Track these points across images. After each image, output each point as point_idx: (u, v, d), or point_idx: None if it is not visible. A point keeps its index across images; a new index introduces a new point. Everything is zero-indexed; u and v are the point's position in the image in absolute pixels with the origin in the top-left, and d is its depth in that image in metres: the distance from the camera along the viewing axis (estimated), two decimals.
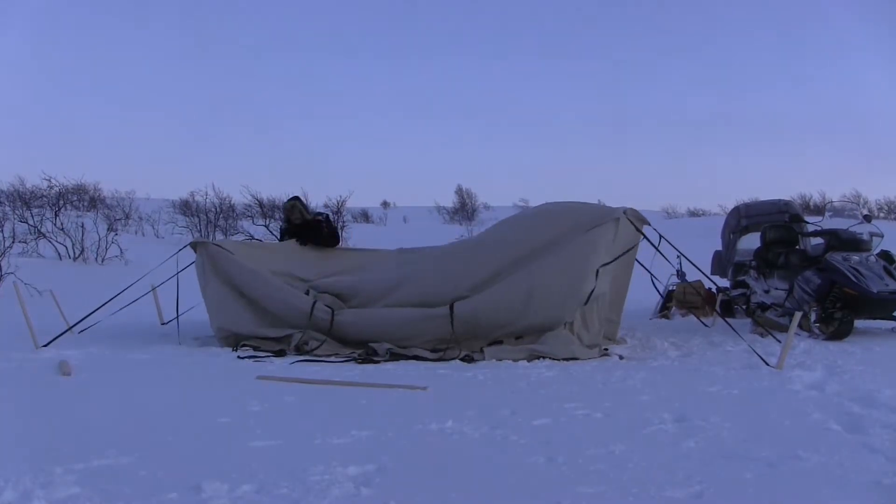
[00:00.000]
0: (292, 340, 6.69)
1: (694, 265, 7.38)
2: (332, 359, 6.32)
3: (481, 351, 6.28)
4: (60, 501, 2.77)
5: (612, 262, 6.56)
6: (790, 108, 69.95)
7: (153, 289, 8.14)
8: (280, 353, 6.50)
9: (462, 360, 6.17)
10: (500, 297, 6.50)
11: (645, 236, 6.87)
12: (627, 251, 6.74)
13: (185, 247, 7.57)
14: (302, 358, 6.29)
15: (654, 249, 6.88)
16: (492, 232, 7.67)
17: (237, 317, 7.03)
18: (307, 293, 7.09)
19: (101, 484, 2.93)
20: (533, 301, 6.40)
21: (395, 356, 6.27)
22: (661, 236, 6.81)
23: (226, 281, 7.18)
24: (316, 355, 6.40)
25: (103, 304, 7.38)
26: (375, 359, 6.25)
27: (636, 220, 6.85)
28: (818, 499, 2.83)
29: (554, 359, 6.11)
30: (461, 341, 6.42)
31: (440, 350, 6.36)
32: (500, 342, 6.47)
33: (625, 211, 6.75)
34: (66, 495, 2.82)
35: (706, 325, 8.02)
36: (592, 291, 6.38)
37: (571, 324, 6.43)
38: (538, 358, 6.11)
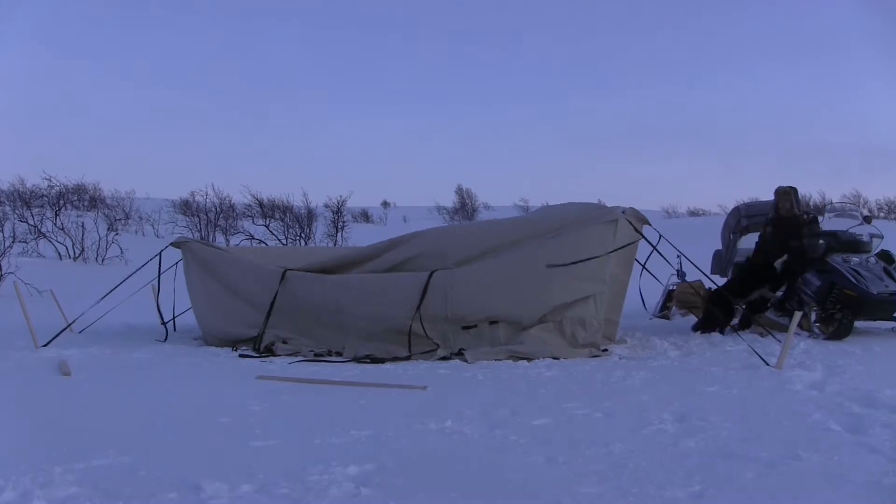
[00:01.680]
0: (262, 340, 6.71)
1: (694, 265, 7.38)
2: (332, 358, 6.33)
3: (460, 353, 6.26)
4: (60, 501, 2.77)
5: (599, 257, 6.40)
6: (789, 107, 69.92)
7: (154, 289, 8.14)
8: (274, 353, 6.52)
9: (442, 359, 6.15)
10: (479, 274, 6.49)
11: (643, 237, 6.84)
12: (620, 248, 6.58)
13: (166, 247, 7.60)
14: (302, 358, 6.29)
15: (654, 249, 6.86)
16: (485, 221, 7.70)
17: (217, 315, 7.10)
18: (283, 273, 7.05)
19: (101, 484, 2.93)
20: (512, 286, 6.37)
21: (375, 360, 6.20)
22: (660, 236, 6.81)
23: (209, 276, 7.29)
24: (285, 355, 6.40)
25: (99, 301, 7.42)
26: (336, 360, 6.26)
27: (636, 221, 6.82)
28: (818, 499, 2.83)
29: (542, 358, 6.12)
30: (430, 320, 6.38)
31: (427, 351, 6.31)
32: (475, 326, 6.41)
33: (623, 211, 6.73)
34: (66, 495, 2.82)
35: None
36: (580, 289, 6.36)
37: (560, 321, 6.37)
38: (523, 359, 6.10)
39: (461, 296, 6.40)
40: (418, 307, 6.37)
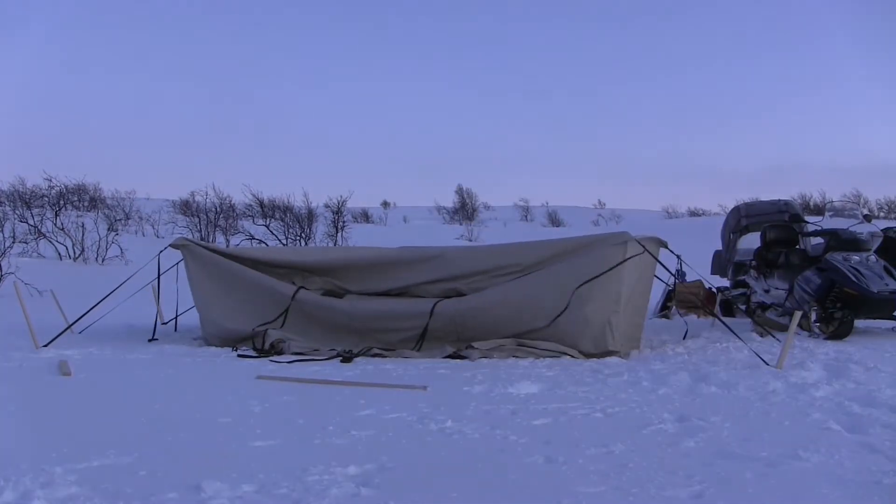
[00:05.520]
0: (267, 338, 6.72)
1: (690, 267, 7.40)
2: (323, 357, 6.32)
3: (467, 348, 6.30)
4: (60, 501, 2.77)
5: (596, 277, 6.31)
6: (789, 105, 69.98)
7: (154, 290, 8.14)
8: (280, 352, 6.52)
9: (450, 357, 6.19)
10: (488, 302, 6.56)
11: (656, 259, 6.81)
12: (611, 268, 6.37)
13: (165, 248, 7.59)
14: (301, 357, 6.29)
15: (666, 268, 6.87)
16: (497, 245, 7.69)
17: (222, 315, 7.10)
18: (297, 290, 7.14)
19: (101, 484, 2.93)
20: (522, 314, 6.43)
21: (378, 355, 6.34)
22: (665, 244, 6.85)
23: (211, 279, 7.28)
24: (294, 353, 6.42)
25: (99, 302, 7.42)
26: (355, 355, 6.33)
27: (650, 244, 6.72)
28: (818, 499, 2.83)
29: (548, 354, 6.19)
30: (443, 339, 6.53)
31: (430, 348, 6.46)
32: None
33: (639, 240, 6.60)
34: (66, 495, 2.82)
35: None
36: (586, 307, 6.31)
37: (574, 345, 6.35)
38: (524, 358, 6.13)
39: (470, 323, 6.55)
40: (423, 333, 6.57)
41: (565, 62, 72.67)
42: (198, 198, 26.38)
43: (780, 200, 10.06)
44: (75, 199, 26.28)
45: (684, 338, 7.16)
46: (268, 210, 24.81)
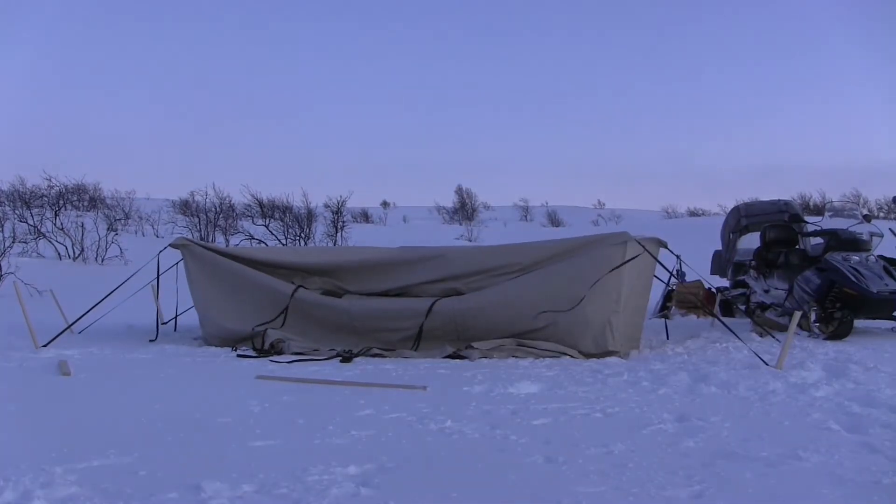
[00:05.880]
0: (267, 338, 6.72)
1: (690, 267, 7.39)
2: (322, 357, 6.33)
3: (467, 348, 6.31)
4: (60, 501, 2.77)
5: (607, 275, 6.30)
6: (789, 105, 70.02)
7: (153, 289, 8.14)
8: (279, 352, 6.52)
9: (450, 357, 6.20)
10: (488, 302, 6.56)
11: (655, 258, 6.82)
12: (614, 268, 6.36)
13: (164, 248, 7.58)
14: (300, 357, 6.29)
15: (668, 271, 6.87)
16: (497, 245, 7.69)
17: (222, 315, 7.11)
18: (296, 289, 7.17)
19: (101, 484, 2.93)
20: (522, 314, 6.42)
21: (377, 355, 6.37)
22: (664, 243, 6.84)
23: (212, 277, 7.28)
24: (294, 353, 6.43)
25: (99, 302, 7.42)
26: (355, 355, 6.34)
27: (650, 244, 6.72)
28: (818, 499, 2.83)
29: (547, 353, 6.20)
30: (442, 338, 6.54)
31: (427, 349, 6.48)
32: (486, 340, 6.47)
33: (639, 240, 6.62)
34: (66, 495, 2.82)
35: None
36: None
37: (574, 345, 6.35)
38: (524, 358, 6.14)
39: (470, 322, 6.56)
40: (420, 332, 6.58)
41: (566, 62, 72.65)
42: (197, 198, 26.41)
43: (780, 200, 10.06)
44: (75, 198, 26.32)
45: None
46: (267, 210, 24.82)
